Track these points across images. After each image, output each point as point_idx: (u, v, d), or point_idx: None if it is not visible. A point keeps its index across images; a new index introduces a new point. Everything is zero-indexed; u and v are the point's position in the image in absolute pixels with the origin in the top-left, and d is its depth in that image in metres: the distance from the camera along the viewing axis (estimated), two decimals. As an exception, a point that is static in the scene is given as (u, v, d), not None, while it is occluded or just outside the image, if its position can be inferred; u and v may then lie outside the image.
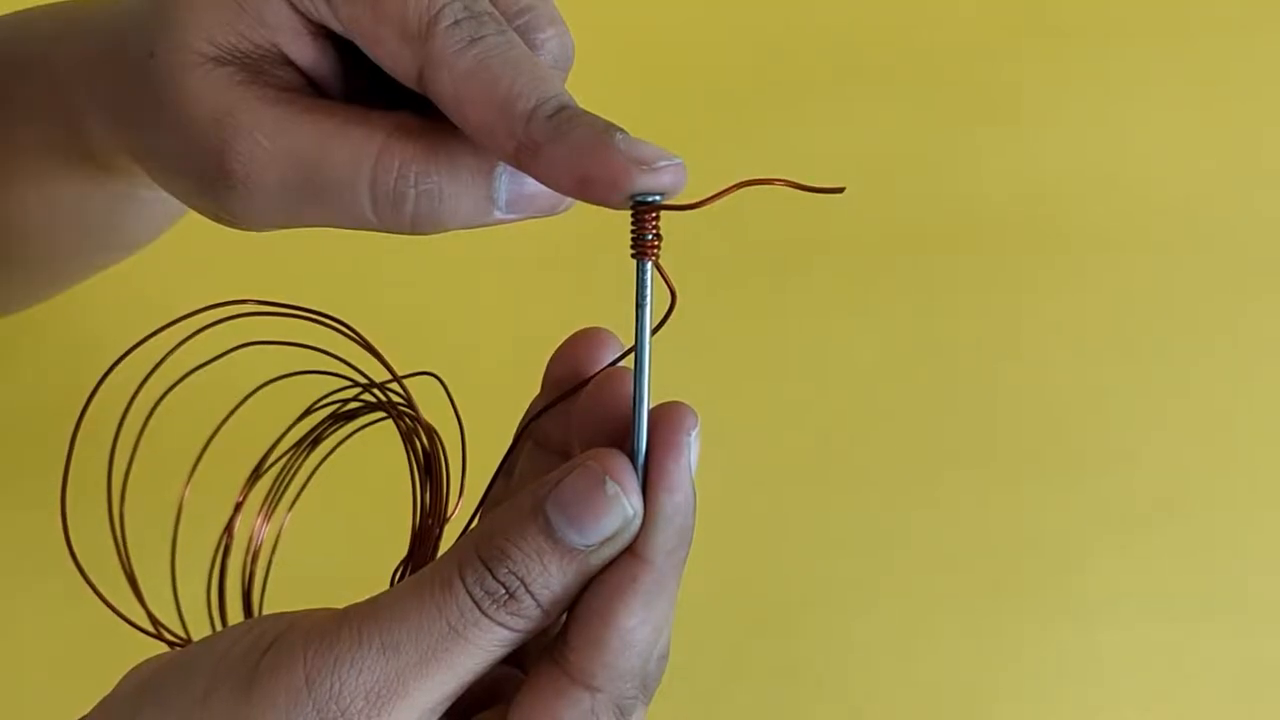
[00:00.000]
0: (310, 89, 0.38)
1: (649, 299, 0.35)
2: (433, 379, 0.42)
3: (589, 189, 0.34)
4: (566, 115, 0.34)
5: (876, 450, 0.70)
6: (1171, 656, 0.67)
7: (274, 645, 0.34)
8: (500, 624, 0.34)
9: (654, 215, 0.34)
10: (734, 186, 0.34)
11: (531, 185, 0.36)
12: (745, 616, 0.67)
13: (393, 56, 0.36)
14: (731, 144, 0.72)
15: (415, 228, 0.36)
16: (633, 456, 0.35)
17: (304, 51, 0.38)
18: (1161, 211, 0.73)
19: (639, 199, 0.34)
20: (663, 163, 0.34)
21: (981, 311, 0.71)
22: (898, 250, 0.72)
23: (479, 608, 0.33)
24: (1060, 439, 0.70)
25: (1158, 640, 0.67)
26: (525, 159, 0.34)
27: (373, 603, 0.34)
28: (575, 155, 0.34)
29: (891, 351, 0.71)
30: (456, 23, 0.35)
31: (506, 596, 0.33)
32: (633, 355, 0.35)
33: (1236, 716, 0.67)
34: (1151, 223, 0.73)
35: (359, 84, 0.39)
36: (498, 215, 0.36)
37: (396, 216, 0.36)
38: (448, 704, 0.34)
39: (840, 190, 0.33)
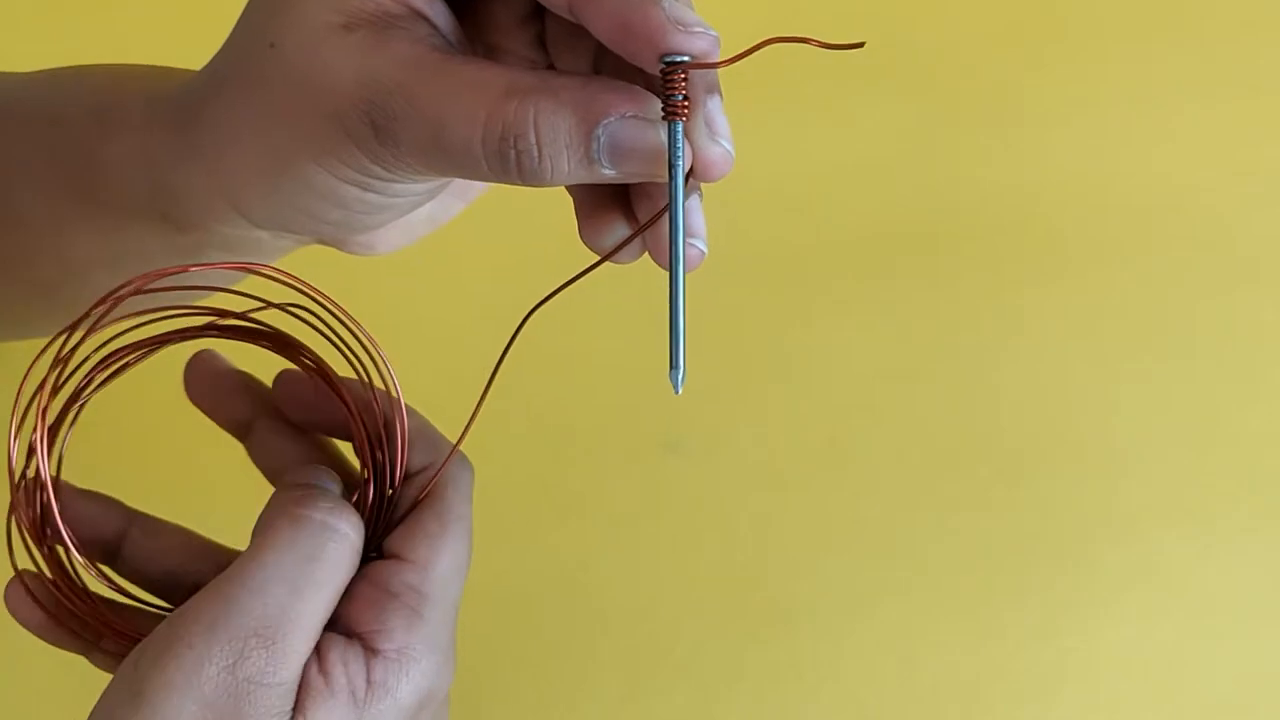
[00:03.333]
0: (436, 37, 0.39)
1: (680, 158, 0.37)
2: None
3: (627, 39, 0.36)
4: None
5: (877, 450, 0.70)
6: (1172, 658, 0.67)
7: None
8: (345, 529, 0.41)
9: (683, 76, 0.36)
10: (759, 45, 0.37)
11: (627, 141, 0.37)
12: (746, 616, 0.67)
13: None
14: (736, 145, 0.72)
15: (526, 183, 0.38)
16: (672, 313, 0.37)
17: None
18: (1162, 212, 0.73)
19: (668, 59, 0.36)
20: (699, 29, 0.36)
21: (982, 312, 0.72)
22: (897, 251, 0.72)
23: (326, 525, 0.40)
24: (1061, 440, 0.70)
25: (1159, 641, 0.67)
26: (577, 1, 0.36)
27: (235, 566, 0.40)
28: (622, 2, 0.36)
29: (891, 352, 0.71)
30: None
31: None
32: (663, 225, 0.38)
33: (1237, 718, 0.67)
34: (1152, 224, 0.73)
35: (472, 27, 0.41)
36: (603, 172, 0.37)
37: (506, 174, 0.37)
38: (329, 616, 0.40)
39: (860, 45, 0.37)
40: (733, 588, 0.67)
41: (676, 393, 0.38)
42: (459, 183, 0.46)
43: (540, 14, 0.41)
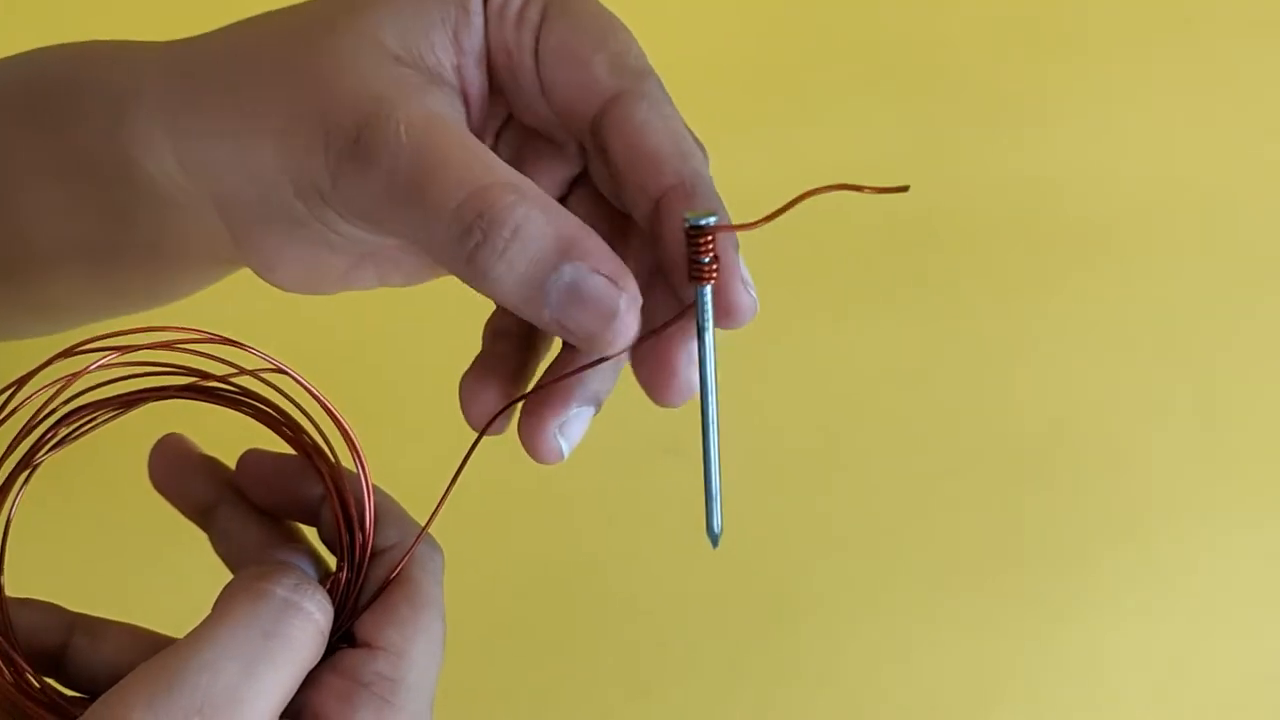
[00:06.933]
0: (470, 124, 0.39)
1: (709, 322, 0.36)
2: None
3: (646, 175, 0.37)
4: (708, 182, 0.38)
5: (877, 451, 0.70)
6: (1173, 659, 0.67)
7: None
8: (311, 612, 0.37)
9: (710, 240, 0.35)
10: (793, 202, 0.35)
11: (590, 292, 0.36)
12: (745, 617, 0.67)
13: (581, 89, 0.39)
14: (736, 146, 0.71)
15: (464, 273, 0.36)
16: (707, 485, 0.38)
17: (475, 82, 0.39)
18: (1165, 214, 0.73)
19: (694, 222, 0.35)
20: (750, 285, 0.37)
21: (984, 313, 0.72)
22: (898, 252, 0.72)
23: (289, 603, 0.37)
24: (1061, 440, 0.70)
25: (1159, 643, 0.67)
26: (678, 196, 0.37)
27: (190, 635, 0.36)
28: (654, 143, 0.37)
29: (894, 352, 0.71)
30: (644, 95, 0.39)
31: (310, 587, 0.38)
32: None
33: (1238, 718, 0.67)
34: (1155, 225, 0.73)
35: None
36: (542, 310, 0.36)
37: (455, 254, 0.36)
38: (285, 702, 0.37)
39: (905, 189, 0.34)
40: (732, 589, 0.67)
41: (714, 548, 0.38)
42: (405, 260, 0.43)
43: (566, 197, 0.41)
